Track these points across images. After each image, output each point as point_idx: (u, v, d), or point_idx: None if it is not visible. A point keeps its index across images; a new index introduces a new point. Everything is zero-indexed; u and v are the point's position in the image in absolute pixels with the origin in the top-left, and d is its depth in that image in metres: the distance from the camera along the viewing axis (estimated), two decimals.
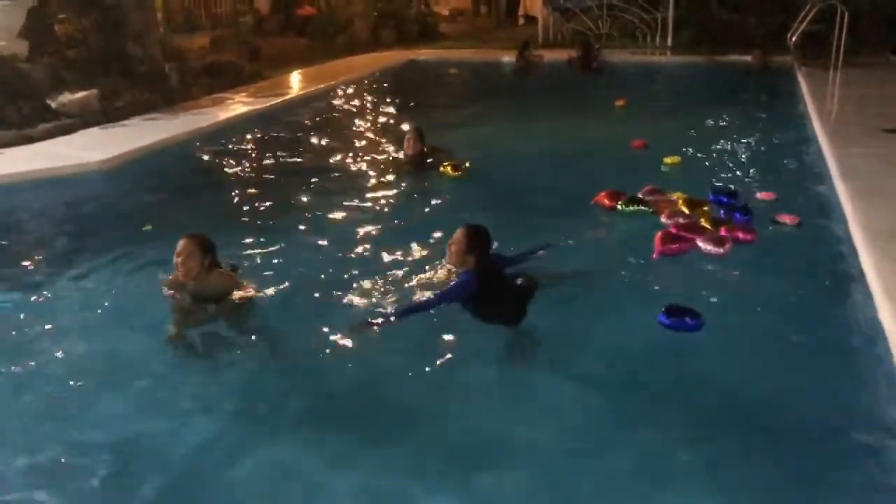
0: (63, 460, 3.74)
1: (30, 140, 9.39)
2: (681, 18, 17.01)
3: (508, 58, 16.13)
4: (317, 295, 5.29)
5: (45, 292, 5.49)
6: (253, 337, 4.86)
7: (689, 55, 15.93)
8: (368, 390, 4.29)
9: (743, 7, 17.09)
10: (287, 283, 5.41)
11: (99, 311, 5.23)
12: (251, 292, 5.08)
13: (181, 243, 4.83)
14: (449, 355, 4.57)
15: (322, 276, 5.59)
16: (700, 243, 5.84)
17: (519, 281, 4.94)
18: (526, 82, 15.05)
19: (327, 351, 4.61)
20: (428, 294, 4.99)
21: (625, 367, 4.43)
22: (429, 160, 8.38)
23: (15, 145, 9.18)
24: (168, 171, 8.74)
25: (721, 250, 5.75)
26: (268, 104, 11.82)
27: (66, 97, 10.49)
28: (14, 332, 4.90)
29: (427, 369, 4.42)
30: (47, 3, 11.88)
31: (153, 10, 13.51)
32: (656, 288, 5.34)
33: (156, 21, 13.59)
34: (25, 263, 6.02)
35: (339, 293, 5.26)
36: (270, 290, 5.27)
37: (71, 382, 4.38)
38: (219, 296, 4.92)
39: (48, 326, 4.98)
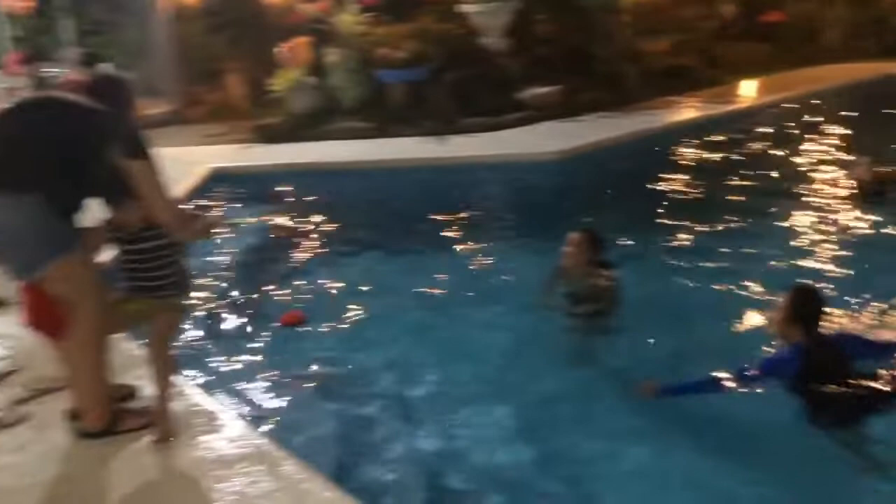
0: None
1: (498, 127, 10.66)
2: None
3: None
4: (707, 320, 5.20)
5: (481, 259, 6.41)
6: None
7: None
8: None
9: None
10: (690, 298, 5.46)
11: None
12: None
13: (574, 235, 5.16)
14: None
15: (729, 301, 5.38)
16: None
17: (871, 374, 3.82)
18: None
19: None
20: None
21: None
22: (882, 190, 7.48)
23: (485, 131, 10.52)
24: (612, 166, 9.20)
25: None
26: (717, 111, 11.68)
27: (532, 91, 11.62)
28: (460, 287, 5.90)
29: None
30: (531, 5, 13.15)
31: (621, 13, 14.18)
32: None
33: (622, 24, 14.22)
34: (478, 233, 6.99)
35: (722, 320, 5.10)
36: None
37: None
38: (591, 294, 5.07)
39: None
